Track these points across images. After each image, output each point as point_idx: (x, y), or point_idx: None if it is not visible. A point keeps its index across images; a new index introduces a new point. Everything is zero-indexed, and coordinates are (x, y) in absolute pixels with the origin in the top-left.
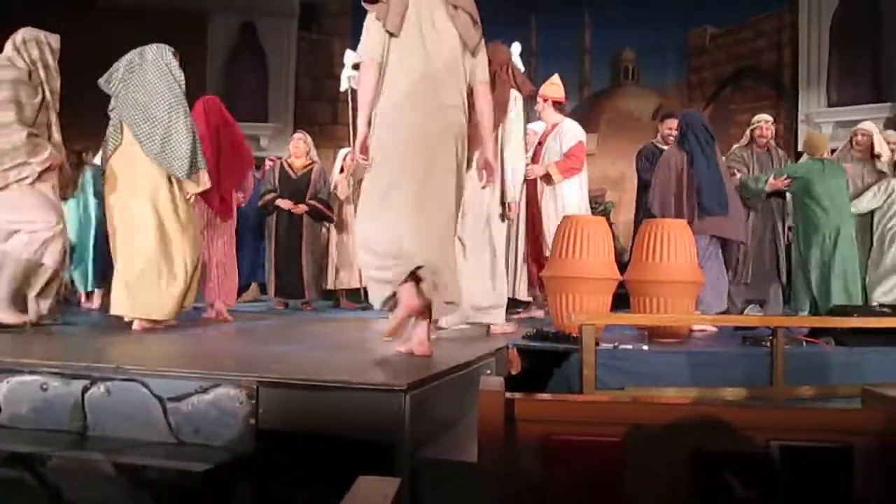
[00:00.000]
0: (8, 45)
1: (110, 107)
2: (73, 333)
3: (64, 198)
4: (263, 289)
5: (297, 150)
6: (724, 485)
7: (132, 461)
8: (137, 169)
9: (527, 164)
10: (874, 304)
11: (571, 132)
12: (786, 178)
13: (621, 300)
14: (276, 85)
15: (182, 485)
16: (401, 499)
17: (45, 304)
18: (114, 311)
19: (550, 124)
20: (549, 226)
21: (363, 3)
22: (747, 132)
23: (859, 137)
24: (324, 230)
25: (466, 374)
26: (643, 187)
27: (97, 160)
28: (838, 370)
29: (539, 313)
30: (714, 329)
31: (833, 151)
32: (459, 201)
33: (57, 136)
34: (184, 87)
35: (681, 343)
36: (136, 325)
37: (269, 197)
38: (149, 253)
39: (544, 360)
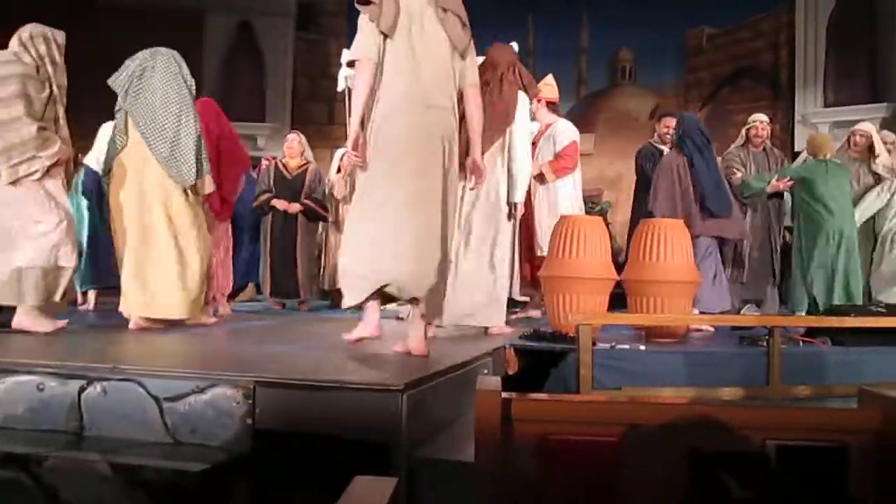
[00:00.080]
0: (13, 41)
1: (116, 107)
2: (69, 333)
3: None
4: (259, 289)
5: (292, 150)
6: (721, 484)
7: (129, 461)
8: (148, 169)
9: None
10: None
11: (565, 132)
12: (788, 180)
13: (618, 300)
14: (272, 85)
15: (179, 485)
16: (397, 499)
17: (64, 303)
18: (129, 312)
19: (544, 124)
20: (542, 225)
21: (356, 5)
22: (743, 132)
23: (857, 138)
24: (319, 230)
25: (463, 373)
26: (644, 187)
27: (87, 160)
28: (835, 370)
29: (536, 313)
30: (711, 329)
31: None
32: (453, 202)
33: (65, 130)
34: (193, 91)
35: (678, 343)
36: (132, 325)
37: (264, 197)
38: (164, 253)
39: (541, 359)
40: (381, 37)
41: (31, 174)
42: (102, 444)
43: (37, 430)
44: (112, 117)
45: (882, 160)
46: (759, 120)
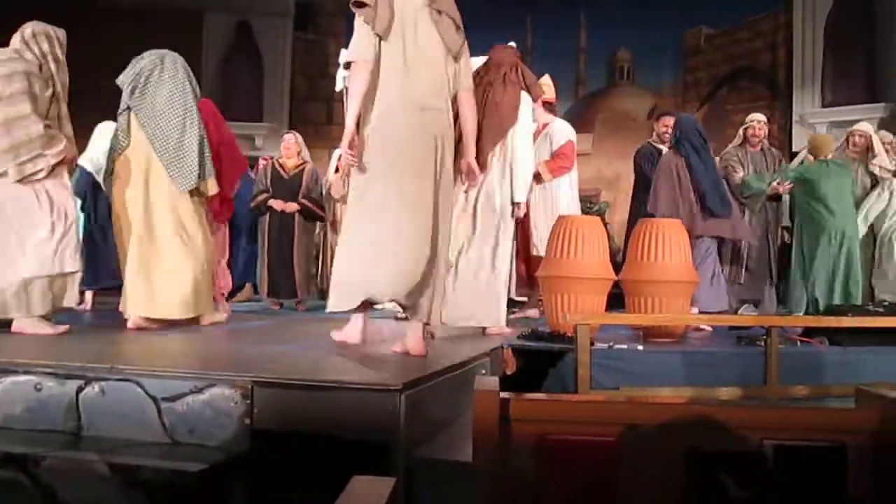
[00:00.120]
0: (15, 38)
1: (121, 107)
2: (67, 333)
3: None
4: (257, 289)
5: (289, 150)
6: (719, 484)
7: (127, 461)
8: (152, 169)
9: None
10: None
11: (562, 132)
12: (789, 184)
13: (616, 300)
14: (271, 84)
15: (177, 485)
16: (396, 499)
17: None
18: (134, 312)
19: (541, 124)
20: (538, 225)
21: (351, 7)
22: (740, 132)
23: (856, 138)
24: (317, 230)
25: (461, 373)
26: (643, 187)
27: (81, 161)
28: (832, 370)
29: (533, 313)
30: (710, 329)
31: None
32: (448, 202)
33: (68, 128)
34: (199, 95)
35: (676, 343)
36: (131, 324)
37: (261, 198)
38: (169, 253)
39: (539, 359)
40: (377, 39)
41: (37, 172)
42: (100, 444)
43: (35, 430)
44: (112, 117)
45: (879, 160)
46: (757, 120)
